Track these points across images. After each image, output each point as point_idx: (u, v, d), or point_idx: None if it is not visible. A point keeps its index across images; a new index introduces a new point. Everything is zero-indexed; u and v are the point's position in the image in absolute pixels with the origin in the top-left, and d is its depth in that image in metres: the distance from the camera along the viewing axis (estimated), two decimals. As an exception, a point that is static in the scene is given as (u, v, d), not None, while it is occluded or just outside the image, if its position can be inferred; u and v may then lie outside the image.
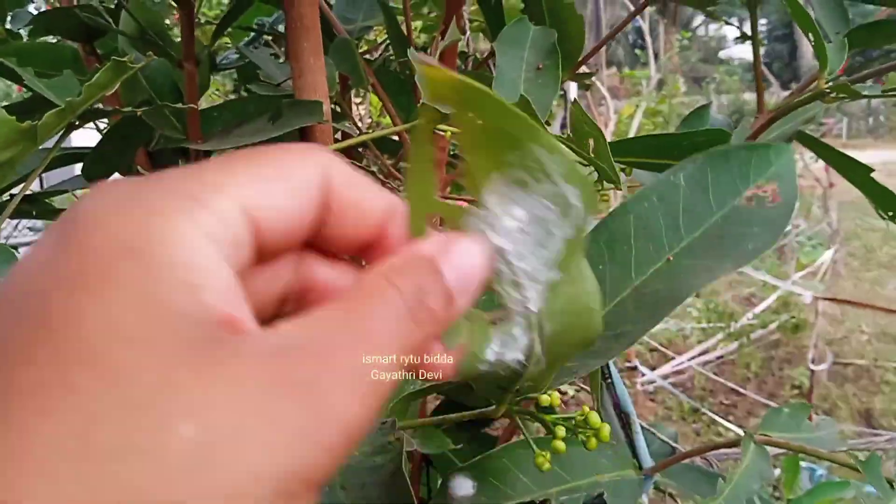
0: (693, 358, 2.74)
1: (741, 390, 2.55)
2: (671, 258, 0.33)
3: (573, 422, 0.34)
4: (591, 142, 0.41)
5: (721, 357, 2.84)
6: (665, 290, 0.33)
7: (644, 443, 0.54)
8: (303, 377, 0.15)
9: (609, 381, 0.59)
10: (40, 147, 0.39)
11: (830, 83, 0.42)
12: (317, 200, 0.20)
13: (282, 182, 0.19)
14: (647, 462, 0.52)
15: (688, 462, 0.56)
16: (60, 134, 0.42)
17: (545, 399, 0.33)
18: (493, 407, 0.35)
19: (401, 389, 0.38)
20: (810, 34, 0.40)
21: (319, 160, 0.20)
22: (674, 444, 0.62)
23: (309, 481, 0.15)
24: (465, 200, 0.88)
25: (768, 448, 0.47)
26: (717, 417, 2.29)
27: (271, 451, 0.14)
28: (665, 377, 2.61)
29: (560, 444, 0.33)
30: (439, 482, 0.78)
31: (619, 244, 0.34)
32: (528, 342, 0.25)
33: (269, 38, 0.91)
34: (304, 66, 0.53)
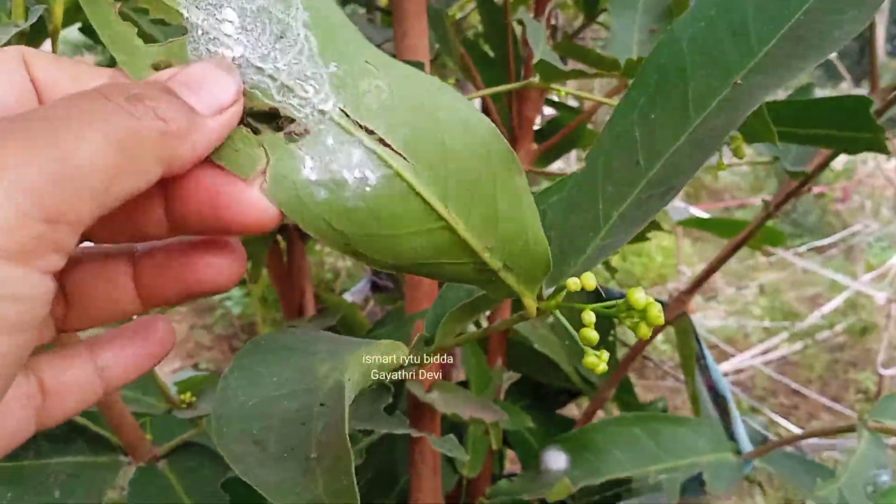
0: (755, 357, 2.67)
1: (803, 391, 2.48)
2: (739, 81, 0.26)
3: (614, 308, 0.26)
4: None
5: (783, 357, 2.76)
6: (725, 122, 0.26)
7: (743, 427, 0.52)
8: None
9: (703, 362, 0.57)
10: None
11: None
12: (19, 75, 0.21)
13: None
14: (747, 446, 0.50)
15: (785, 450, 0.54)
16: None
17: (573, 284, 0.25)
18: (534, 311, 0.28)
19: (453, 325, 0.32)
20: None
21: (13, 48, 0.21)
22: (765, 433, 0.60)
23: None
24: (541, 173, 0.86)
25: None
26: (777, 418, 2.22)
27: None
28: (724, 375, 2.55)
29: (590, 334, 0.26)
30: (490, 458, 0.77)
31: (671, 83, 0.27)
32: (361, 152, 0.21)
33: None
34: (408, 28, 0.53)
